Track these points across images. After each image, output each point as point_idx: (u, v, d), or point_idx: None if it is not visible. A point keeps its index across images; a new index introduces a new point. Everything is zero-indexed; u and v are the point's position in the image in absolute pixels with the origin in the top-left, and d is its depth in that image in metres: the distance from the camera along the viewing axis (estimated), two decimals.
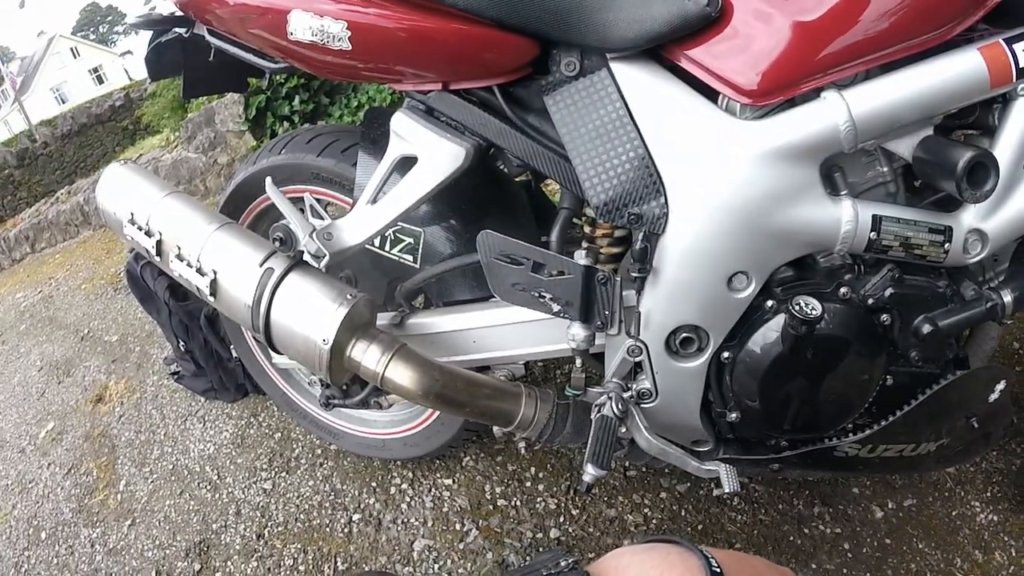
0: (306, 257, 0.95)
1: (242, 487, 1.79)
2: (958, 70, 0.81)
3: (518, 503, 1.54)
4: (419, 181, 0.92)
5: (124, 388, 2.39)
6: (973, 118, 0.91)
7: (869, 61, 0.81)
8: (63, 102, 38.20)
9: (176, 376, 2.14)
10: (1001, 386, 1.00)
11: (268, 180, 0.98)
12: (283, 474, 1.79)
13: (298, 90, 3.22)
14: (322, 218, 1.23)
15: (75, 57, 42.66)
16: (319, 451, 1.82)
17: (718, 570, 0.56)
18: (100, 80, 41.55)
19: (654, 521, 1.46)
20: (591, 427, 0.91)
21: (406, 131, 0.94)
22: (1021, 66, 0.82)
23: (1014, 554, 1.28)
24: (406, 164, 0.95)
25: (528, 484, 1.58)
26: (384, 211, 0.94)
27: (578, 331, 0.91)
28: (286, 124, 2.83)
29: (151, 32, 1.25)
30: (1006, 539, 1.31)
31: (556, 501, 1.53)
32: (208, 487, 1.83)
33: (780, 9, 0.79)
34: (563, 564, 0.62)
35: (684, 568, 0.57)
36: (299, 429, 1.88)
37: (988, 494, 1.40)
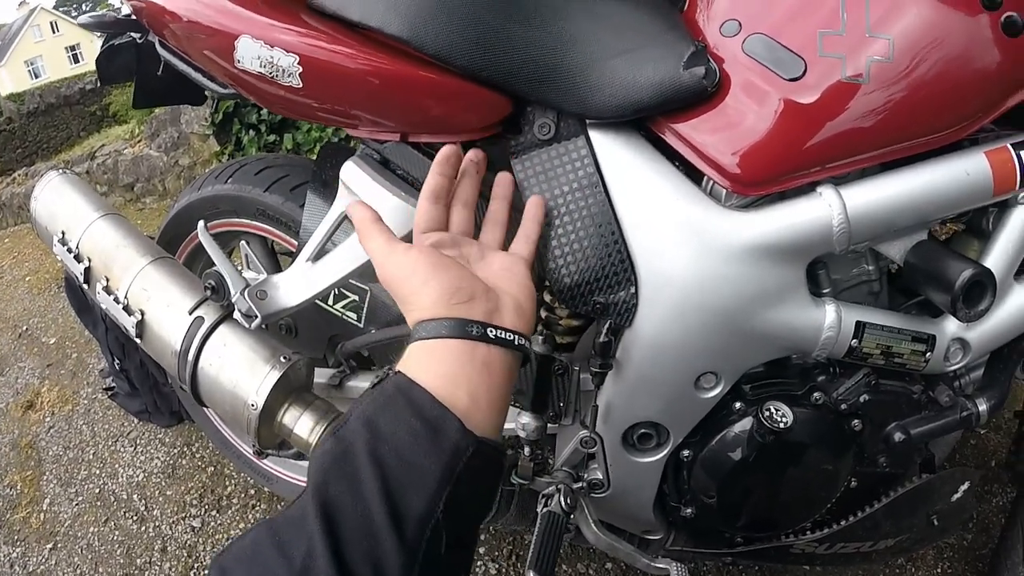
0: (236, 315, 0.86)
1: (170, 522, 1.69)
2: (964, 174, 0.74)
3: None
4: None
5: (57, 397, 2.26)
6: (965, 217, 0.85)
7: (872, 157, 0.73)
8: (36, 76, 37.42)
9: (111, 392, 2.01)
10: (966, 486, 0.96)
11: (201, 224, 0.89)
12: (213, 512, 1.69)
13: None
14: (259, 270, 1.14)
15: (54, 32, 41.84)
16: (252, 492, 1.72)
17: None
18: (76, 59, 40.83)
19: None
20: (537, 523, 0.83)
21: (356, 184, 0.85)
22: None
23: None
24: None
25: None
26: (325, 273, 0.85)
27: (529, 421, 0.83)
28: (251, 133, 2.71)
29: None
30: None
31: (497, 566, 1.45)
32: (135, 518, 1.73)
33: (780, 90, 0.71)
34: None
35: None
36: (233, 466, 1.78)
37: (938, 570, 1.38)
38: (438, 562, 0.50)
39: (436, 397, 0.55)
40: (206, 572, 1.52)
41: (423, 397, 0.55)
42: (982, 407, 0.87)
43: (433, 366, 0.58)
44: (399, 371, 0.58)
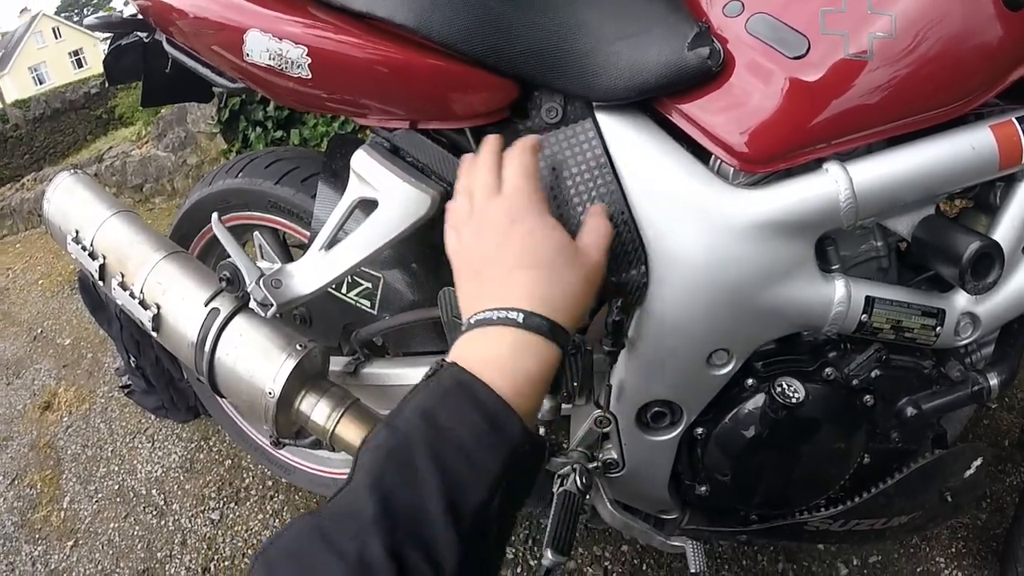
0: (252, 305, 0.87)
1: (189, 515, 1.71)
2: (969, 148, 0.74)
3: None
4: (379, 229, 0.84)
5: (74, 396, 2.29)
6: (972, 192, 0.86)
7: (877, 133, 0.73)
8: (40, 83, 37.61)
9: (127, 390, 2.04)
10: (978, 462, 0.97)
11: (215, 216, 0.90)
12: (232, 505, 1.71)
13: None
14: (273, 260, 1.15)
15: (57, 38, 42.08)
16: (270, 483, 1.74)
17: None
18: (80, 64, 41.10)
19: (614, 575, 1.40)
20: (552, 502, 0.84)
21: (367, 172, 0.86)
22: None
23: None
24: (366, 207, 0.87)
25: None
26: (339, 260, 0.86)
27: (543, 402, 0.85)
28: (258, 129, 2.73)
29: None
30: None
31: (513, 551, 1.46)
32: (154, 512, 1.75)
33: (784, 69, 0.72)
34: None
35: None
36: (250, 458, 1.80)
37: (953, 549, 1.39)
38: (487, 553, 0.51)
39: (498, 393, 0.54)
40: (238, 565, 1.54)
41: (485, 393, 0.54)
42: (993, 381, 0.87)
43: (489, 353, 0.58)
44: (454, 363, 0.57)
